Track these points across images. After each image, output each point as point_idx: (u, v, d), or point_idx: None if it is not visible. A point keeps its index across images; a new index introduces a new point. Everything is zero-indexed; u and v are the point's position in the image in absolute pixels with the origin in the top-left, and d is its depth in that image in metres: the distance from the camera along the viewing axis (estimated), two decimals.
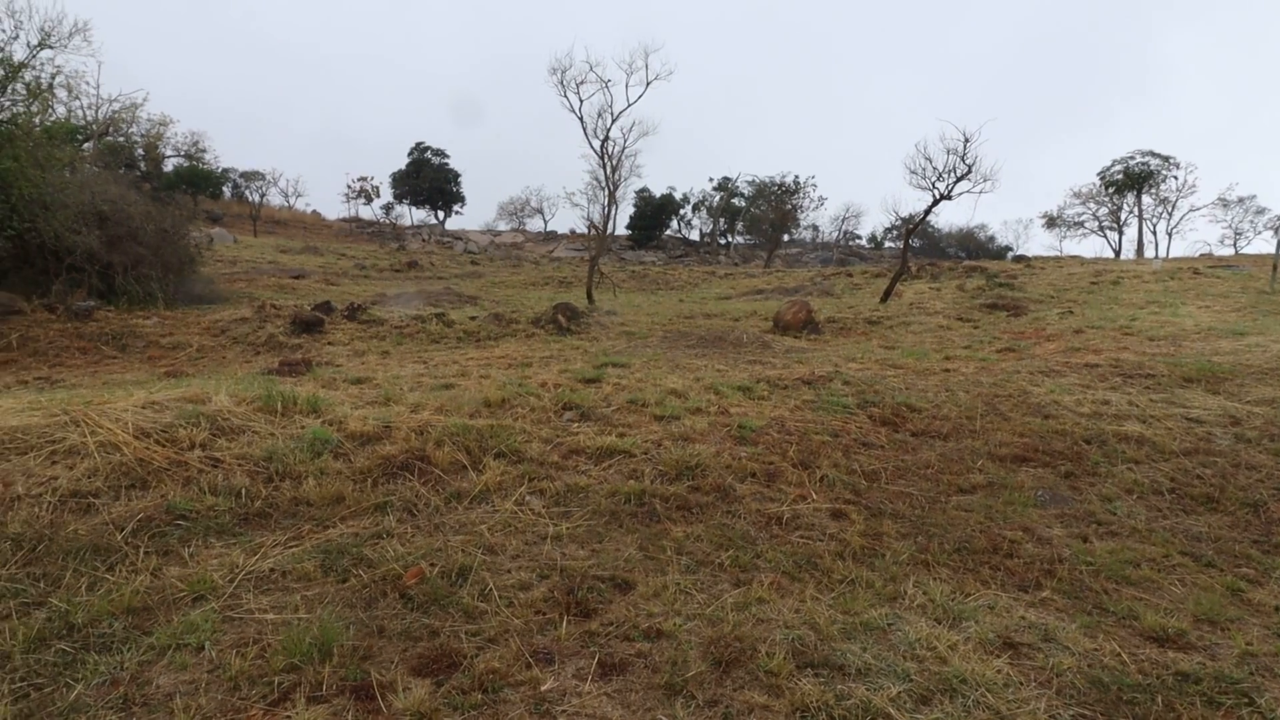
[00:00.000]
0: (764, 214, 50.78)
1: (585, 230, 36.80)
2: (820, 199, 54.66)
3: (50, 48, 13.83)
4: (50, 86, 14.09)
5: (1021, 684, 2.79)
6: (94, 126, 29.72)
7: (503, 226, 58.06)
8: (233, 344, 11.11)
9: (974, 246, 54.00)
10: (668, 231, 54.27)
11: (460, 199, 54.27)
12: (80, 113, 28.42)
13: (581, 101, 19.56)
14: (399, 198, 52.98)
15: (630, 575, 3.53)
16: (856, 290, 23.10)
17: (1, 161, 11.58)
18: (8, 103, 12.86)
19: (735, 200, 54.26)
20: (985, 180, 18.18)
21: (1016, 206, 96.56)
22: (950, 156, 18.13)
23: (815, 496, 4.67)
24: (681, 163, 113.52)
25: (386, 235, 47.67)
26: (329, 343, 11.28)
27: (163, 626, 2.92)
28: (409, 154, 52.79)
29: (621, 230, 49.30)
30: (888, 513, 4.56)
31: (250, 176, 47.45)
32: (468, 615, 3.11)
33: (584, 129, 19.74)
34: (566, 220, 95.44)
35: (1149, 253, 46.29)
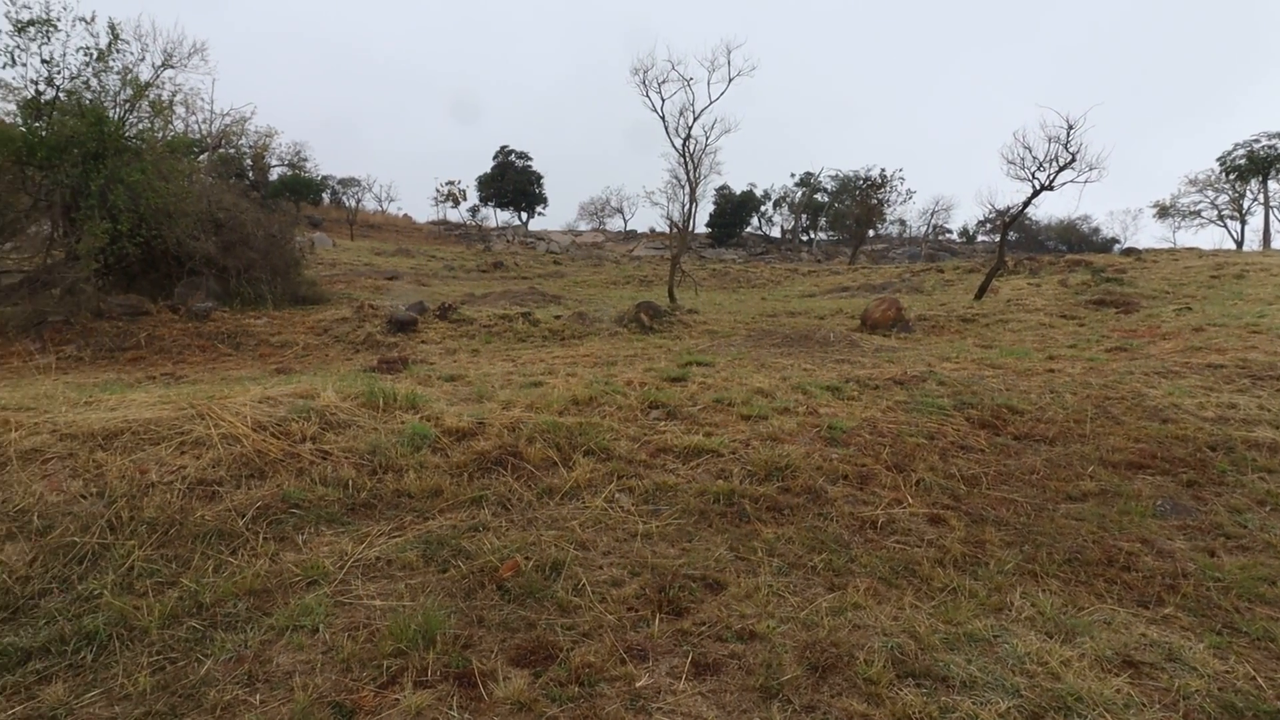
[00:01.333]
0: (848, 209, 49.48)
1: (665, 229, 36.84)
2: (908, 192, 53.32)
3: (172, 67, 14.99)
4: (171, 104, 15.22)
5: (1144, 705, 2.62)
6: (208, 139, 31.89)
7: (583, 226, 58.91)
8: (335, 342, 11.70)
9: (1076, 239, 50.83)
10: (748, 228, 53.74)
11: (543, 200, 55.38)
12: (196, 127, 30.56)
13: (664, 100, 19.62)
14: (484, 200, 54.55)
15: (721, 575, 3.51)
16: (948, 286, 22.21)
17: (131, 174, 12.59)
18: (135, 119, 13.96)
19: (818, 196, 53.15)
20: (1091, 169, 17.07)
21: (1124, 196, 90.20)
22: (1052, 144, 17.15)
23: (911, 501, 4.52)
24: (762, 158, 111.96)
25: (473, 237, 49.18)
26: (422, 341, 11.73)
27: (281, 608, 3.10)
28: (494, 157, 54.26)
29: (701, 228, 49.19)
30: (990, 520, 4.36)
31: (347, 183, 50.04)
32: (562, 609, 3.17)
33: (665, 128, 19.78)
34: (646, 219, 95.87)
35: (1276, 243, 42.47)
